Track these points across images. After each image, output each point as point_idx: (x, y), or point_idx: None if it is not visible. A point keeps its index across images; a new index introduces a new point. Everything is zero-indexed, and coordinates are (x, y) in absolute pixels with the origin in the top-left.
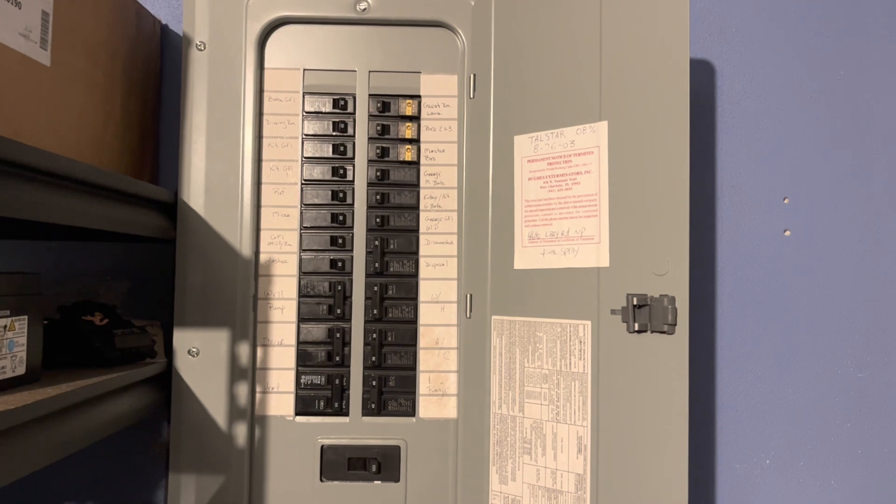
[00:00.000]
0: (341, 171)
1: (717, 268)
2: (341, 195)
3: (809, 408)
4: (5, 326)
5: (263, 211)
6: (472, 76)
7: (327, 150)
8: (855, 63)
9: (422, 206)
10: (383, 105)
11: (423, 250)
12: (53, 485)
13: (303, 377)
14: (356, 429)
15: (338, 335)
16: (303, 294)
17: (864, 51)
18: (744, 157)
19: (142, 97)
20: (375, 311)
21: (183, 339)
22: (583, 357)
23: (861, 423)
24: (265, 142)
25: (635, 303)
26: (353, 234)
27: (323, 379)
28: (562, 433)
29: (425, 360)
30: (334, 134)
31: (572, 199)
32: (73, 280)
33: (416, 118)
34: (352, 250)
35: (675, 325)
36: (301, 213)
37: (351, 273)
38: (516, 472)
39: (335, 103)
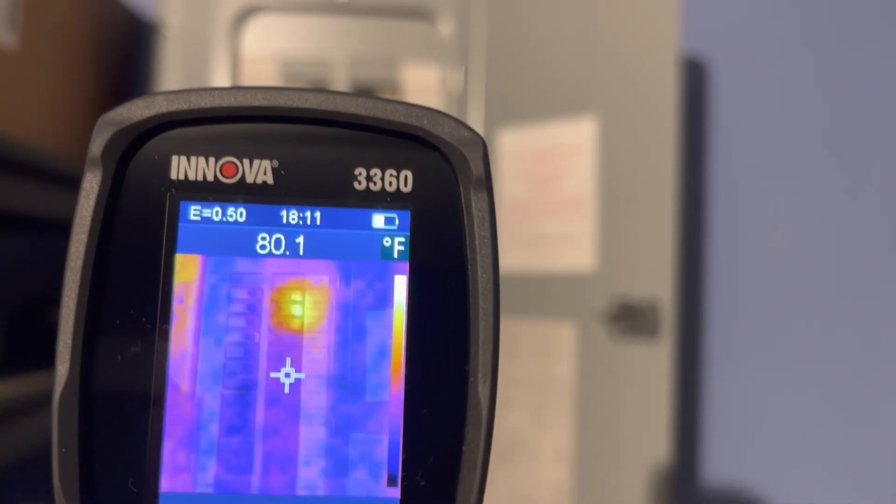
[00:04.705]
0: None
1: (708, 271)
2: None
3: (802, 416)
4: None
5: None
6: (461, 68)
7: None
8: (854, 63)
9: None
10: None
11: None
12: (13, 486)
13: None
14: None
15: None
16: None
17: (864, 50)
18: (737, 158)
19: (112, 85)
20: None
21: None
22: (565, 361)
23: (855, 435)
24: None
25: (620, 307)
26: None
27: None
28: (541, 440)
29: None
30: None
31: (557, 198)
32: (39, 272)
33: None
34: None
35: (660, 329)
36: None
37: None
38: (493, 480)
39: None
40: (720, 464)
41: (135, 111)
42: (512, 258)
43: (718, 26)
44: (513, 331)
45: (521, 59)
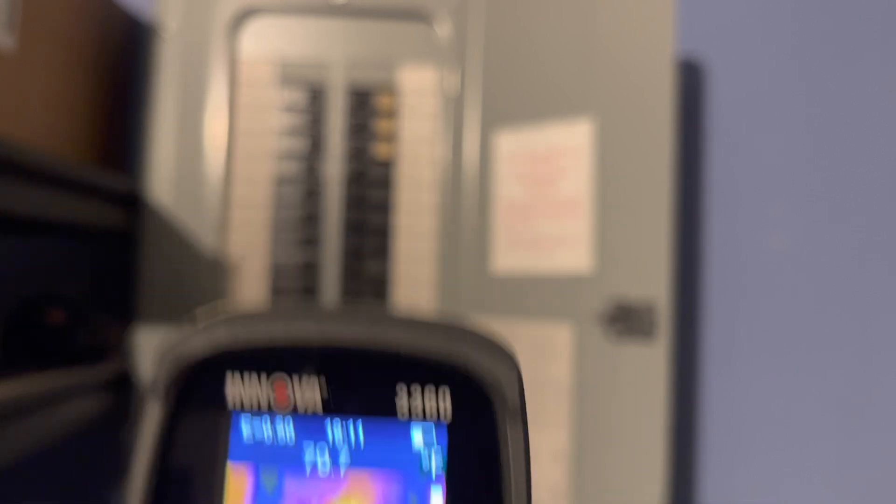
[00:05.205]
0: (315, 168)
1: (703, 272)
2: (315, 193)
3: (798, 417)
4: None
5: (233, 207)
6: (458, 70)
7: (301, 146)
8: (851, 64)
9: (398, 206)
10: (360, 99)
11: (399, 250)
12: (13, 486)
13: None
14: None
15: None
16: (273, 296)
17: (861, 51)
18: (733, 160)
19: (111, 87)
20: None
21: (145, 339)
22: (561, 362)
23: (851, 438)
24: (237, 135)
25: (616, 308)
26: (325, 233)
27: None
28: (539, 441)
29: None
30: (309, 131)
31: (554, 199)
32: (39, 273)
33: (393, 112)
34: (324, 248)
35: (656, 330)
36: (272, 210)
37: (323, 274)
38: None
39: (311, 96)
40: (716, 464)
41: (196, 345)
42: (509, 259)
43: (714, 28)
44: (509, 332)
45: (518, 61)
